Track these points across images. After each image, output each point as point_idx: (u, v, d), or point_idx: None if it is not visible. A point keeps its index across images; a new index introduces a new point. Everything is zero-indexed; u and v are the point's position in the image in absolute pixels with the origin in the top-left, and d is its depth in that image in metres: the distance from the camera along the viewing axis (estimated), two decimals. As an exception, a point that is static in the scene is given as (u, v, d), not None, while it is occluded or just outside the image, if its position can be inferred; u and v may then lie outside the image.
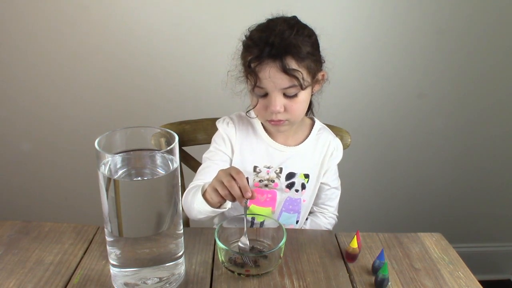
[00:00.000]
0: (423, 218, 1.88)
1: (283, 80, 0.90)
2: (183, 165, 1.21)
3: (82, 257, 0.83)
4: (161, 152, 0.72)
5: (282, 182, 1.06)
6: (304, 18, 0.97)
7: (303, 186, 1.07)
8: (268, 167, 1.05)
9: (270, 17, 0.96)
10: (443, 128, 1.72)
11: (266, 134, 1.06)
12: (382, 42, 1.56)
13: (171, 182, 0.71)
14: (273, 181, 1.05)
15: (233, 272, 0.81)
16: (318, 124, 1.11)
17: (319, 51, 0.97)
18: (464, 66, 1.62)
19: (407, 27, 1.55)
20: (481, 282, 0.81)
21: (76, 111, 1.61)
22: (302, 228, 1.12)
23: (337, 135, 1.14)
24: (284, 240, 0.81)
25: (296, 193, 1.07)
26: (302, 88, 0.92)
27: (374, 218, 1.86)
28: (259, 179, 1.05)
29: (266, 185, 1.06)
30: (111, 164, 0.70)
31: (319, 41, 0.98)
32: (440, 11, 1.53)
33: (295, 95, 0.94)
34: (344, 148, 1.15)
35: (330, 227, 1.15)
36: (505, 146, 1.77)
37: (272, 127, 1.01)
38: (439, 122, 1.71)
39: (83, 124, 1.62)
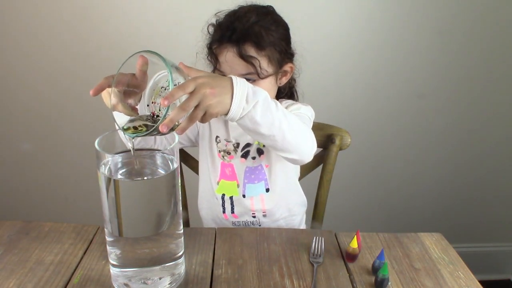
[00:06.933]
0: (423, 218, 1.87)
1: (240, 66, 0.90)
2: (183, 165, 1.21)
3: (82, 257, 0.83)
4: (161, 152, 0.72)
5: (238, 154, 1.05)
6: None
7: (260, 152, 1.04)
8: (228, 141, 1.05)
9: (244, 4, 0.95)
10: (443, 129, 1.72)
11: None
12: (383, 42, 1.56)
13: (171, 182, 0.71)
14: (229, 153, 1.05)
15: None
16: (284, 100, 1.08)
17: (287, 43, 0.97)
18: (464, 67, 1.62)
19: (407, 28, 1.55)
20: (481, 282, 0.81)
21: (76, 111, 1.61)
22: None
23: (337, 135, 1.13)
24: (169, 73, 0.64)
25: (254, 160, 1.04)
26: (259, 76, 0.91)
27: (374, 218, 1.86)
28: (218, 149, 1.06)
29: (223, 157, 1.06)
30: (111, 164, 0.70)
31: (290, 34, 0.97)
32: (440, 12, 1.53)
33: (254, 81, 0.92)
34: (344, 148, 1.15)
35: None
36: (505, 146, 1.77)
37: None
38: (439, 122, 1.71)
39: (83, 124, 1.62)
